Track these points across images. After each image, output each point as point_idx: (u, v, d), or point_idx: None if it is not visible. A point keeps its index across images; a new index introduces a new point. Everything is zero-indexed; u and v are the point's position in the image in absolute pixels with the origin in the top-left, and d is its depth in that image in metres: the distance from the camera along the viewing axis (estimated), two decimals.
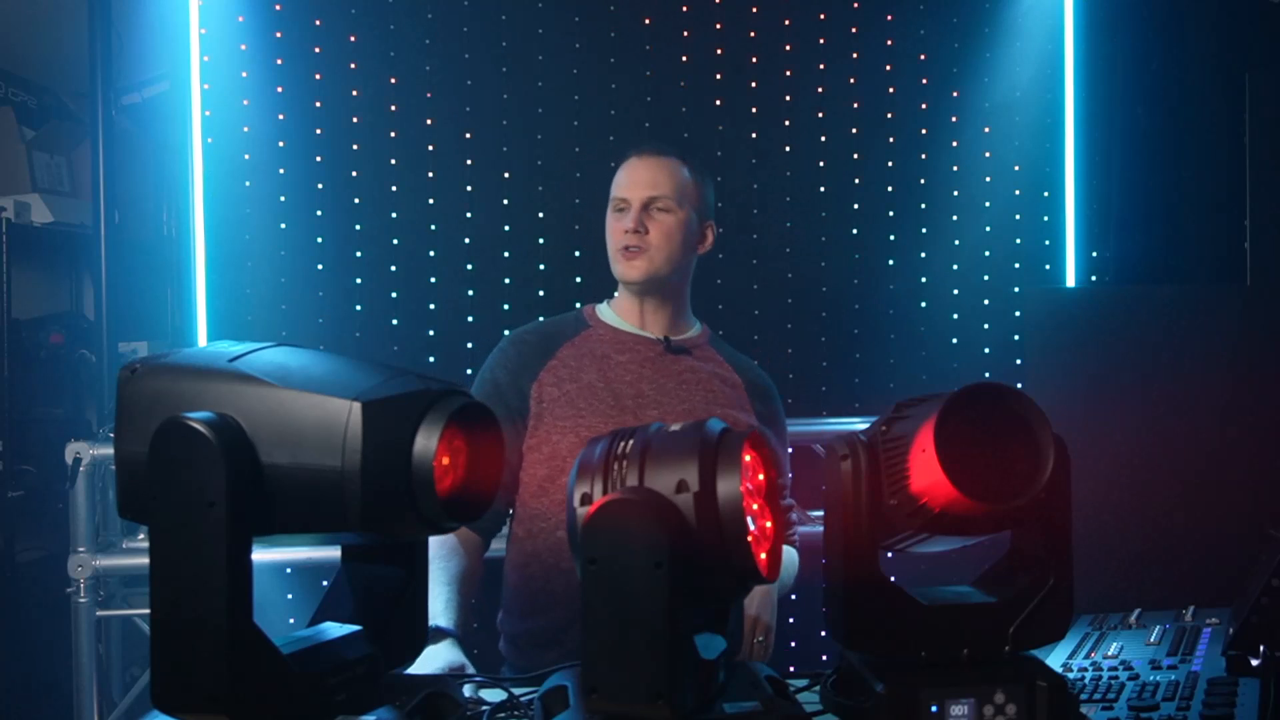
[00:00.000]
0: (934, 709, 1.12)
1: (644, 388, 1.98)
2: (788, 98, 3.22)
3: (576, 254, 3.09)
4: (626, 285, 2.04)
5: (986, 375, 3.24)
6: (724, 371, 2.06)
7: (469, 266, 3.10)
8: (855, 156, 3.26)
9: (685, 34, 3.19)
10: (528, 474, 1.95)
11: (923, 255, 3.28)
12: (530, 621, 1.94)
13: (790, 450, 2.25)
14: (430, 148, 3.09)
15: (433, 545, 1.90)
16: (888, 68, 3.27)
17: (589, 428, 1.91)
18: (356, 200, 3.06)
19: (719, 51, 3.21)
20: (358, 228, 3.06)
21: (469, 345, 3.05)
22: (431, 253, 3.08)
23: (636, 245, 1.98)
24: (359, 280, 3.05)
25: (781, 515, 1.16)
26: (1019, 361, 3.07)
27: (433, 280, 3.08)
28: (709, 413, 1.96)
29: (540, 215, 3.12)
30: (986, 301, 3.29)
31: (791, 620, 3.07)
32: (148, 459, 0.98)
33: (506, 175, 3.11)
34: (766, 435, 2.05)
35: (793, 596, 3.06)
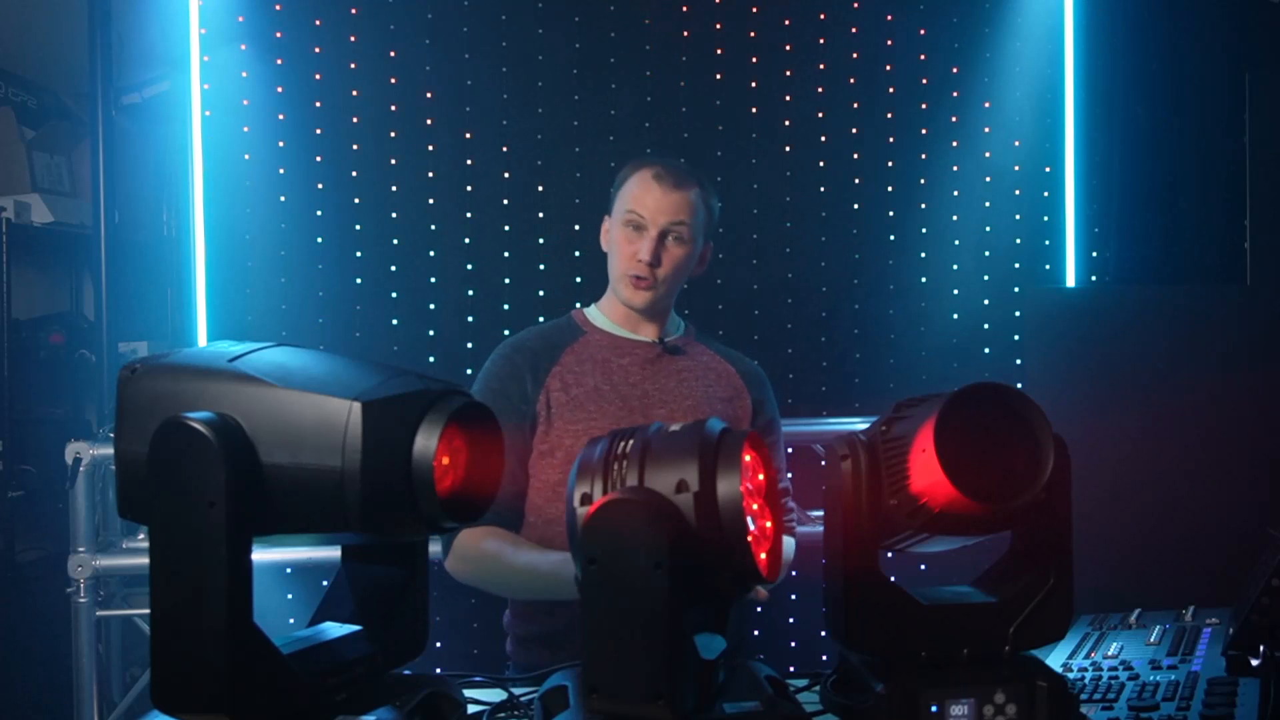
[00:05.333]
0: (934, 709, 1.12)
1: (648, 388, 2.00)
2: (788, 98, 3.21)
3: (576, 254, 3.09)
4: (629, 305, 2.05)
5: (986, 375, 3.23)
6: (716, 365, 2.10)
7: (469, 266, 3.10)
8: (855, 156, 3.25)
9: (685, 34, 3.19)
10: (539, 478, 1.96)
11: (923, 255, 3.28)
12: (541, 624, 1.94)
13: (790, 450, 2.25)
14: (430, 148, 3.08)
15: (477, 546, 1.90)
16: (888, 68, 3.27)
17: (600, 430, 1.91)
18: (356, 200, 3.06)
19: (719, 51, 3.21)
20: (358, 228, 3.06)
21: (469, 345, 3.05)
22: (431, 253, 3.08)
23: (648, 277, 1.98)
24: (359, 280, 3.05)
25: (782, 515, 1.16)
26: (1019, 361, 3.07)
27: (433, 280, 3.08)
28: (710, 406, 2.00)
29: (540, 215, 3.11)
30: (986, 301, 3.28)
31: (791, 620, 3.07)
32: (148, 459, 0.98)
33: (506, 175, 3.11)
34: (772, 431, 2.07)
35: (792, 596, 3.06)
